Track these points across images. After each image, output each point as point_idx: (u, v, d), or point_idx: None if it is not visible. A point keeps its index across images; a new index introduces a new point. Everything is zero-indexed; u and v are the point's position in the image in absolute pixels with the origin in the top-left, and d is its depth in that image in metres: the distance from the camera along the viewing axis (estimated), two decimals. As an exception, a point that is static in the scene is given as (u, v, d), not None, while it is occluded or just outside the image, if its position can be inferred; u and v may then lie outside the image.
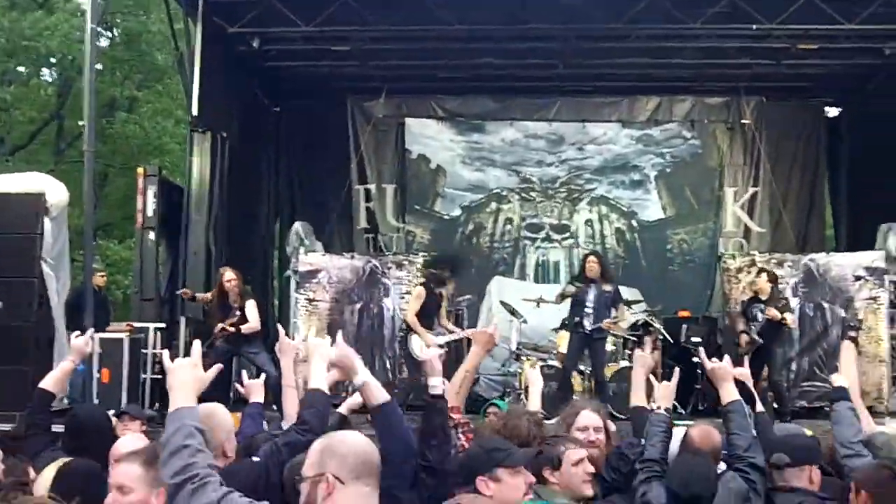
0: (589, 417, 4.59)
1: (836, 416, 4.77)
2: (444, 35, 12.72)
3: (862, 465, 4.26)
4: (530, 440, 4.41)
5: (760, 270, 11.00)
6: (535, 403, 5.36)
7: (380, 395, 3.51)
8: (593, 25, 12.54)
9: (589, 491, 4.02)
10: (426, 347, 10.04)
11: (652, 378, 5.26)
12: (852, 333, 6.00)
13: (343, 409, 5.23)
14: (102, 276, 13.00)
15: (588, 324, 10.31)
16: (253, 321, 10.13)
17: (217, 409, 3.88)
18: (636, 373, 5.24)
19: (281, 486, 3.69)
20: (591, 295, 10.40)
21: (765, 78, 14.29)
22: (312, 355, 3.93)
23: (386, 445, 3.44)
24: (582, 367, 11.01)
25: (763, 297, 10.59)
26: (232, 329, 10.03)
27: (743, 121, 14.73)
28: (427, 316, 10.52)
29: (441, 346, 9.89)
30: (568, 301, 10.69)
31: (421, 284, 10.85)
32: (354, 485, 2.69)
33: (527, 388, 6.68)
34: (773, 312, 10.31)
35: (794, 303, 11.14)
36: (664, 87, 14.98)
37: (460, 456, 3.81)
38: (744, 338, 10.52)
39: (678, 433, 4.58)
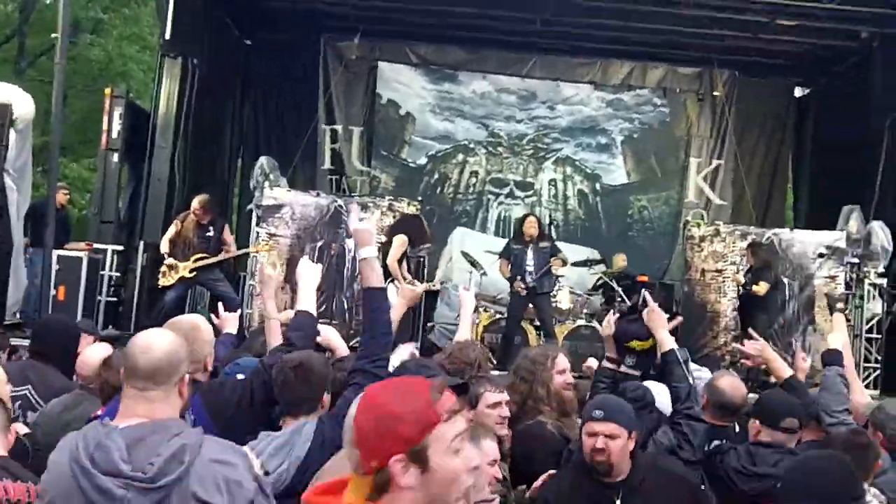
0: (565, 361, 4.72)
1: (825, 381, 4.72)
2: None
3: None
4: (474, 367, 4.54)
5: (751, 242, 11.27)
6: (464, 328, 5.33)
7: (377, 279, 3.66)
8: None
9: (503, 432, 4.09)
10: (403, 295, 9.99)
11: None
12: (840, 305, 5.93)
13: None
14: (65, 194, 12.80)
15: (530, 279, 10.43)
16: (232, 245, 10.29)
17: (201, 323, 3.88)
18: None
19: (266, 402, 3.75)
20: (530, 254, 10.55)
21: (739, 52, 14.36)
22: (301, 279, 4.08)
23: (373, 324, 3.64)
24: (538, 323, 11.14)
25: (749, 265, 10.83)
26: (214, 259, 10.00)
27: (714, 93, 14.84)
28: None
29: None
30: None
31: (405, 233, 10.70)
32: (125, 385, 2.71)
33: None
34: (739, 278, 10.58)
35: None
36: (639, 53, 14.99)
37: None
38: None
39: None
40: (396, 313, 4.79)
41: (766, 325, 10.80)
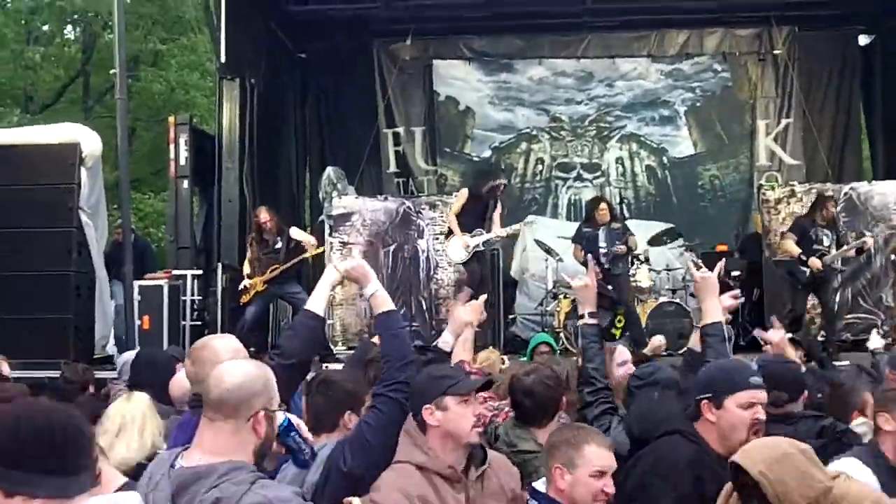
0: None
1: None
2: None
3: None
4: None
5: (828, 198, 10.26)
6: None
7: (386, 303, 3.61)
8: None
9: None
10: (461, 248, 10.07)
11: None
12: None
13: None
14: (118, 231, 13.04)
15: (604, 261, 10.30)
16: (305, 238, 10.27)
17: (210, 343, 3.62)
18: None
19: None
20: (602, 235, 10.45)
21: (797, 6, 13.99)
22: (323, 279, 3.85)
23: (387, 349, 3.57)
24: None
25: (823, 223, 9.93)
26: (281, 267, 10.07)
27: (775, 51, 14.45)
28: (468, 219, 10.31)
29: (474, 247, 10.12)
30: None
31: (467, 187, 10.76)
32: (203, 411, 2.63)
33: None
34: (858, 247, 9.83)
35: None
36: (694, 20, 14.69)
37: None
38: (815, 262, 9.65)
39: None
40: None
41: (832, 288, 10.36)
